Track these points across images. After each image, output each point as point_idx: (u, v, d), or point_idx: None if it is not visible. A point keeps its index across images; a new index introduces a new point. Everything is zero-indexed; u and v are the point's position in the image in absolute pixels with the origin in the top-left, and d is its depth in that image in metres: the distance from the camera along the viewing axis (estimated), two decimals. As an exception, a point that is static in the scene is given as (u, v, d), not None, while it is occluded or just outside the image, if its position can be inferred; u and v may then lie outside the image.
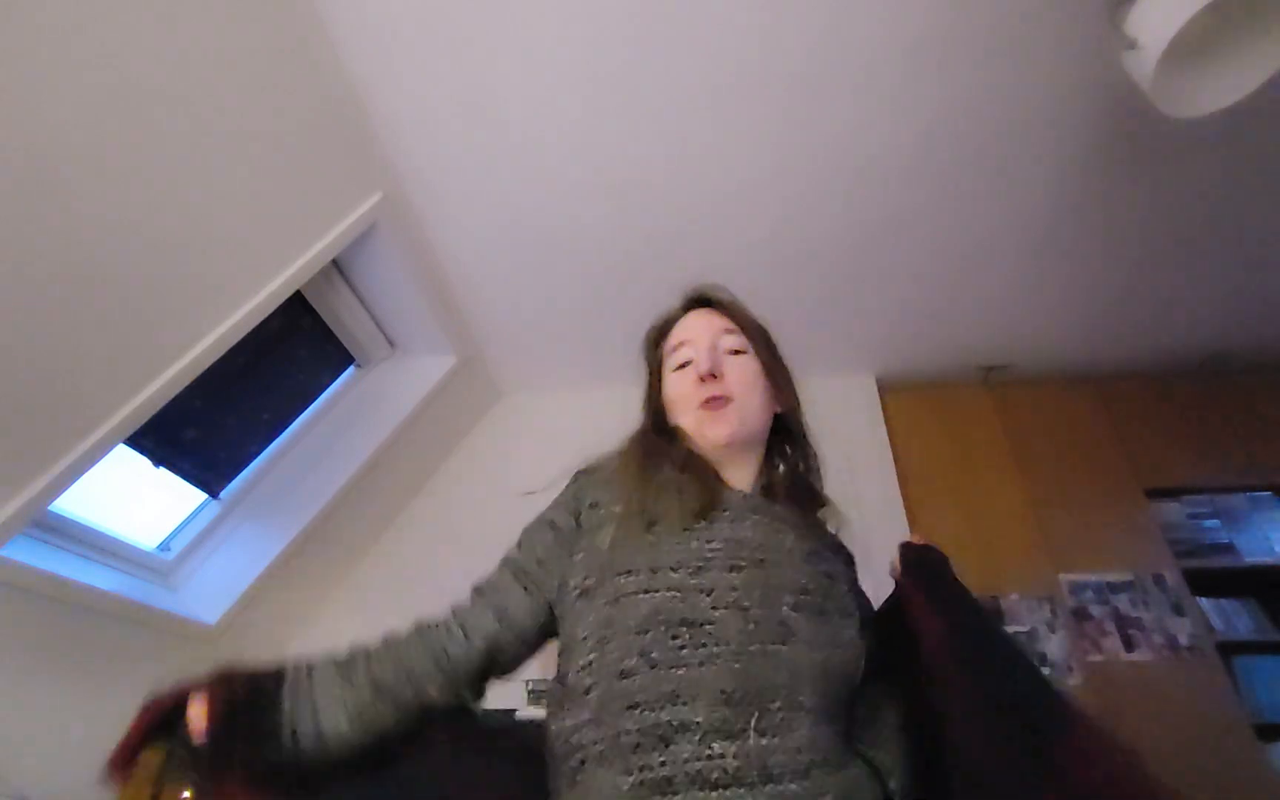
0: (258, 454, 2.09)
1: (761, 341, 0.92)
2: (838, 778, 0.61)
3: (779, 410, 0.90)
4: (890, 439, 2.57)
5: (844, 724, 0.68)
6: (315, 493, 2.10)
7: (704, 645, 0.63)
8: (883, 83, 1.65)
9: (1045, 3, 1.49)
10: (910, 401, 2.64)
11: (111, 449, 1.43)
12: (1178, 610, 2.14)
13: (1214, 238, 2.14)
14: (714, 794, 0.56)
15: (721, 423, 0.81)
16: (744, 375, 0.86)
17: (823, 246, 2.14)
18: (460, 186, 1.88)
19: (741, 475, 0.83)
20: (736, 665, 0.62)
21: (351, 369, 2.34)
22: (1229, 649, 2.13)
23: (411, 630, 0.78)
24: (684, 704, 0.60)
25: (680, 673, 0.62)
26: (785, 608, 0.68)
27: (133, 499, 1.80)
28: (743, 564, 0.70)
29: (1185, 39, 1.31)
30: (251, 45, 1.38)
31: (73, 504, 1.58)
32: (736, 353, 0.88)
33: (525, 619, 0.77)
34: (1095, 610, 2.16)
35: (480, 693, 0.78)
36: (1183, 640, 2.09)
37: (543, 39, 1.54)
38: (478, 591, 0.81)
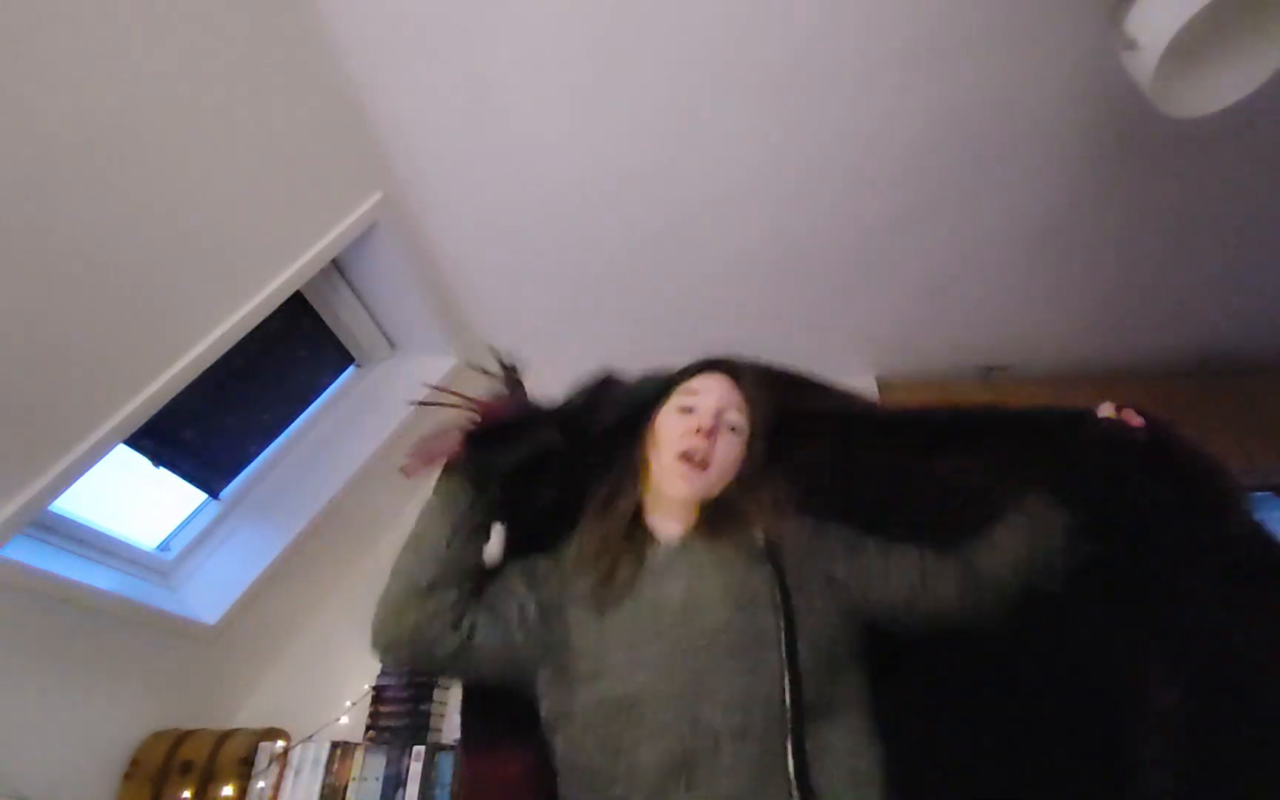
0: (258, 454, 2.09)
1: (756, 439, 0.95)
2: None
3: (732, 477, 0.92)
4: (890, 439, 2.57)
5: (778, 756, 0.69)
6: (315, 493, 2.10)
7: (639, 726, 0.69)
8: (882, 82, 1.66)
9: (1045, 3, 1.49)
10: (910, 401, 2.64)
11: (111, 449, 1.43)
12: (1178, 610, 2.14)
13: (1214, 237, 2.14)
14: None
15: (689, 483, 0.87)
16: (729, 454, 0.90)
17: (822, 246, 2.14)
18: (460, 186, 1.88)
19: (676, 526, 0.88)
20: (666, 736, 0.67)
21: (351, 369, 2.34)
22: (1229, 649, 2.13)
23: None
24: (625, 785, 0.66)
25: (623, 755, 0.68)
26: (705, 661, 0.72)
27: (132, 499, 1.80)
28: (667, 628, 0.75)
29: (1185, 39, 1.32)
30: (251, 45, 1.38)
31: (73, 504, 1.59)
32: (734, 431, 0.92)
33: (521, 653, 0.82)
34: (1095, 610, 2.15)
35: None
36: (1183, 640, 2.09)
37: (542, 40, 1.55)
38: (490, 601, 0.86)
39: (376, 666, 2.09)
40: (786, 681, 0.70)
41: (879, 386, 2.73)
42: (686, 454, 0.87)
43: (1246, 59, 1.39)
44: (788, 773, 0.66)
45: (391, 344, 2.38)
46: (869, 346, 2.64)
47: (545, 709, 0.78)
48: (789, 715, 0.69)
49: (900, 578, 0.84)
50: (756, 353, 2.83)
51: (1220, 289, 2.35)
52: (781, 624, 0.75)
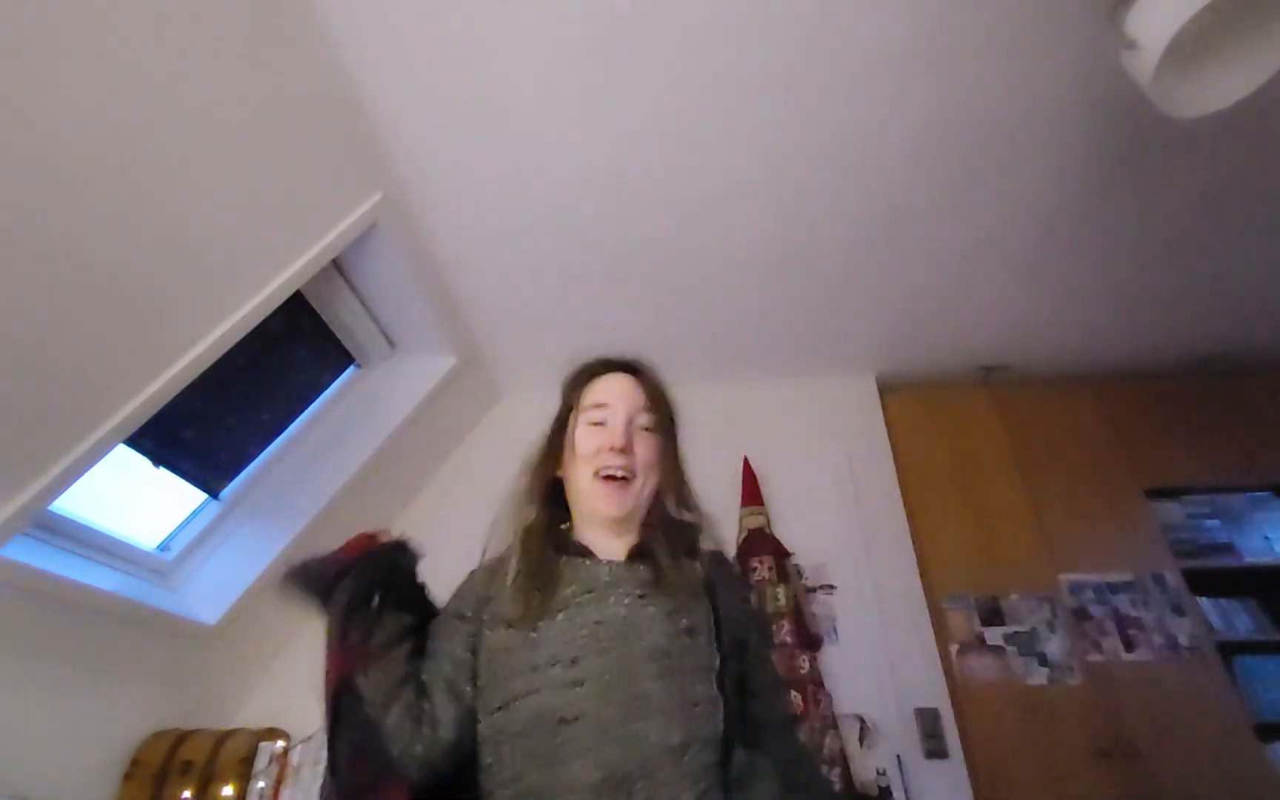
0: (258, 454, 2.08)
1: (669, 428, 0.95)
2: None
3: (663, 491, 0.92)
4: (890, 439, 2.57)
5: (714, 783, 0.71)
6: (315, 493, 2.10)
7: (577, 739, 0.69)
8: (882, 82, 1.66)
9: (1045, 3, 1.49)
10: (910, 401, 2.64)
11: (111, 449, 1.43)
12: (1178, 610, 2.14)
13: (1214, 238, 2.14)
14: None
15: (615, 503, 0.86)
16: (649, 455, 0.90)
17: (823, 246, 2.14)
18: (460, 186, 1.88)
19: (616, 545, 0.87)
20: (604, 752, 0.68)
21: (351, 369, 2.34)
22: (1229, 649, 2.13)
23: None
24: (556, 796, 0.67)
25: (559, 770, 0.68)
26: (646, 681, 0.73)
27: (132, 499, 1.80)
28: (609, 644, 0.75)
29: (1185, 39, 1.32)
30: (251, 45, 1.38)
31: (73, 504, 1.58)
32: (647, 430, 0.91)
33: (453, 733, 0.77)
34: (1095, 610, 2.16)
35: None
36: (1183, 640, 2.09)
37: (543, 40, 1.55)
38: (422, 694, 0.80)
39: (376, 666, 2.09)
40: (721, 709, 0.74)
41: (879, 386, 2.73)
42: (605, 478, 0.87)
43: (1246, 59, 1.39)
44: (722, 794, 0.70)
45: (391, 344, 2.38)
46: (869, 346, 2.64)
47: (480, 728, 0.76)
48: (719, 740, 0.72)
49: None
50: (757, 353, 2.84)
51: (1220, 289, 2.35)
52: (718, 655, 0.79)
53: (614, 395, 0.93)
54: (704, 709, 0.73)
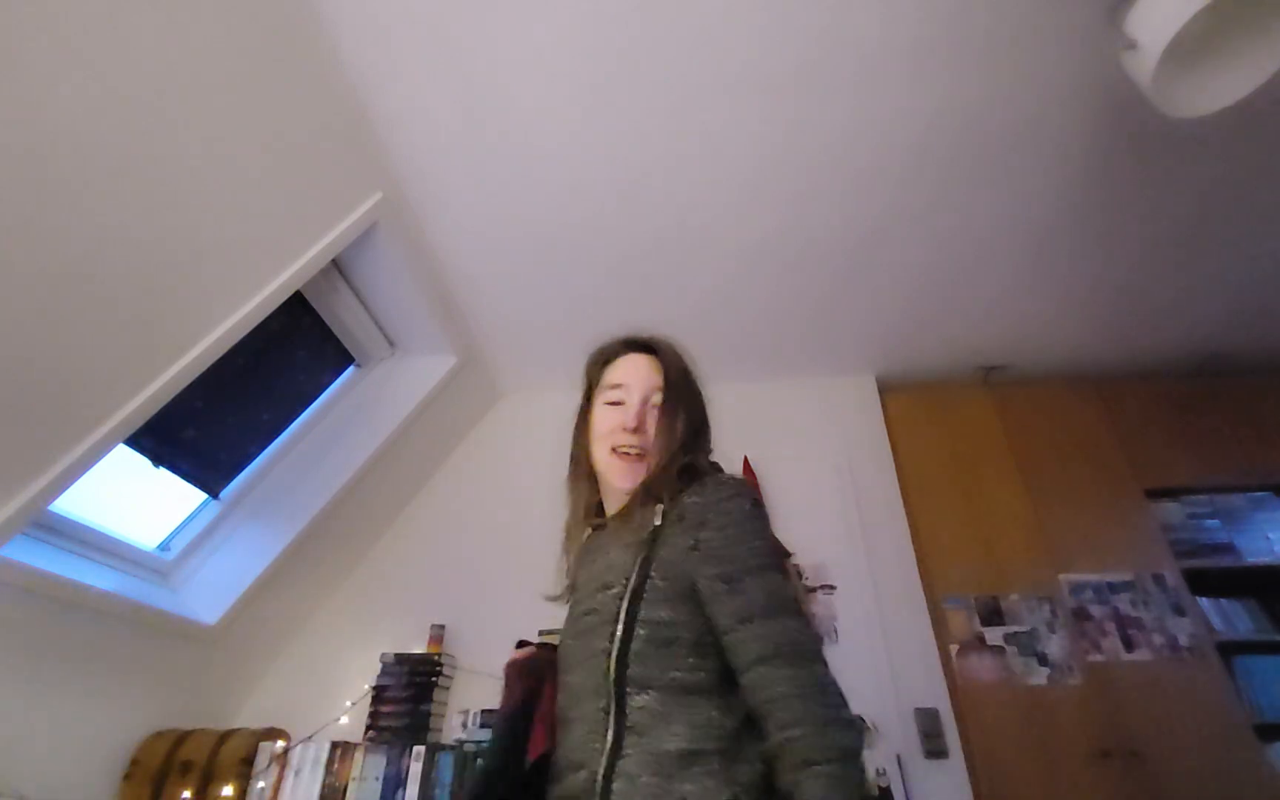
0: (258, 454, 2.09)
1: (687, 400, 0.98)
2: (616, 765, 0.74)
3: (688, 460, 0.93)
4: (890, 439, 2.57)
5: (603, 727, 0.76)
6: (315, 492, 2.11)
7: (566, 687, 0.84)
8: (882, 83, 1.66)
9: (1045, 3, 1.49)
10: (910, 401, 2.64)
11: (111, 449, 1.43)
12: (1178, 610, 2.14)
13: (1214, 238, 2.14)
14: None
15: (629, 477, 0.93)
16: (664, 430, 0.94)
17: (823, 246, 2.14)
18: (460, 186, 1.88)
19: (622, 501, 0.96)
20: (565, 686, 0.85)
21: (351, 369, 2.34)
22: (1229, 649, 2.13)
23: None
24: (563, 731, 0.82)
25: (562, 710, 0.84)
26: (582, 625, 0.85)
27: (133, 499, 1.80)
28: (579, 598, 0.91)
29: (1185, 39, 1.32)
30: (251, 46, 1.38)
31: (73, 504, 1.59)
32: (662, 406, 0.96)
33: None
34: (1095, 610, 2.16)
35: None
36: (1183, 640, 2.09)
37: (542, 40, 1.55)
38: None
39: (376, 666, 2.09)
40: (614, 654, 0.78)
41: (879, 386, 2.74)
42: (622, 451, 0.93)
43: (1246, 59, 1.39)
44: (605, 737, 0.75)
45: (391, 344, 2.38)
46: (869, 346, 2.64)
47: None
48: (613, 684, 0.77)
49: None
50: (757, 353, 2.84)
51: (1220, 289, 2.35)
52: (626, 600, 0.80)
53: (630, 376, 0.99)
54: (598, 661, 0.79)
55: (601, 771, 0.72)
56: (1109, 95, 1.67)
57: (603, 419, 0.97)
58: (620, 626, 0.79)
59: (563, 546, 1.01)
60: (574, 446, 1.03)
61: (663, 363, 1.00)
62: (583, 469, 1.00)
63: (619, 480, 0.93)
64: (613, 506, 0.97)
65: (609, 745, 0.73)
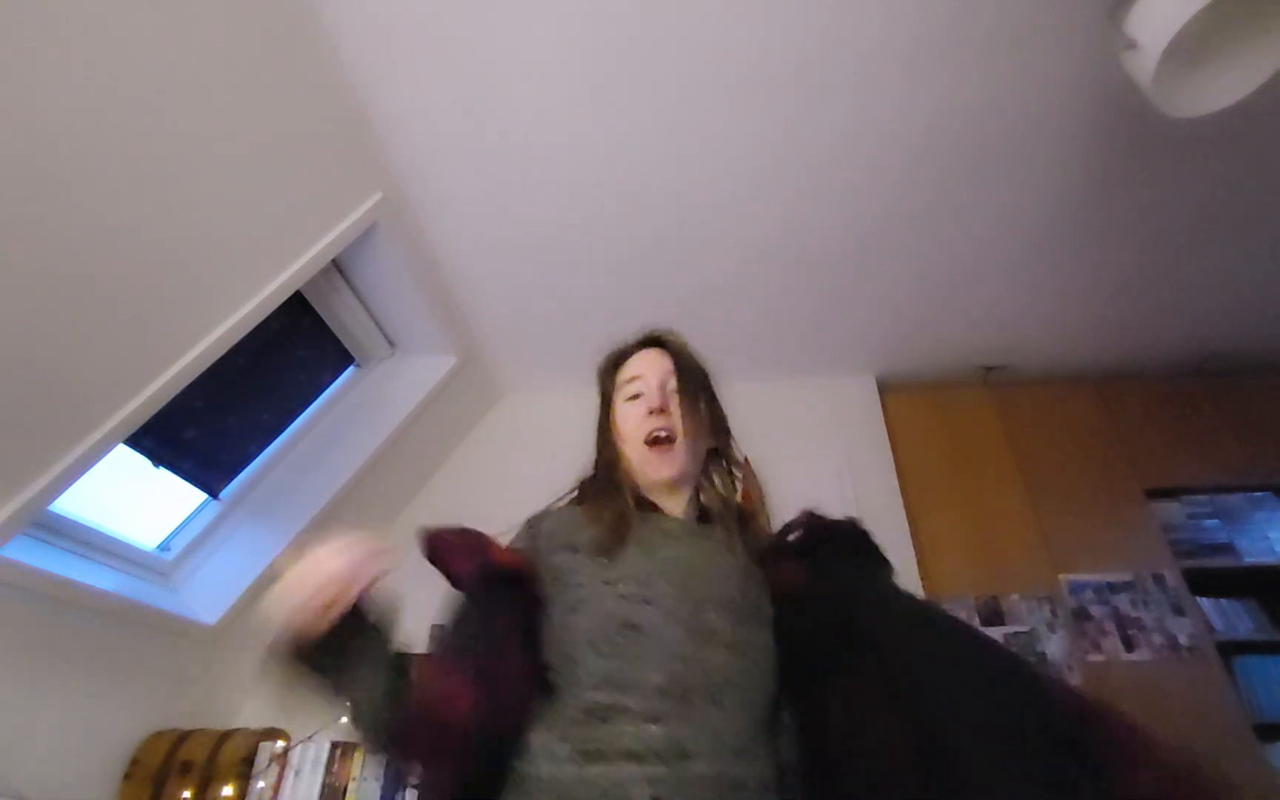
0: (258, 454, 2.09)
1: (702, 385, 1.00)
2: (747, 766, 0.69)
3: (713, 446, 0.99)
4: (890, 439, 2.57)
5: (762, 717, 0.75)
6: (315, 493, 2.11)
7: (644, 647, 0.73)
8: (883, 83, 1.66)
9: (1045, 3, 1.49)
10: (910, 401, 2.64)
11: (111, 449, 1.43)
12: (1178, 610, 2.14)
13: (1214, 238, 2.14)
14: (638, 767, 0.65)
15: (666, 465, 0.91)
16: (685, 417, 0.94)
17: (823, 246, 2.14)
18: (460, 186, 1.88)
19: (678, 504, 0.93)
20: (670, 666, 0.72)
21: (351, 369, 2.34)
22: (1229, 649, 2.13)
23: None
24: (622, 691, 0.70)
25: (629, 666, 0.72)
26: (713, 616, 0.77)
27: (133, 499, 1.80)
28: (678, 579, 0.80)
29: (1185, 39, 1.32)
30: (251, 45, 1.38)
31: (73, 504, 1.58)
32: (679, 393, 0.96)
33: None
34: (1095, 610, 2.16)
35: None
36: (1183, 640, 2.09)
37: (542, 40, 1.55)
38: None
39: (376, 666, 2.09)
40: (774, 658, 0.78)
41: (879, 386, 2.73)
42: (654, 439, 0.92)
43: (1246, 59, 1.39)
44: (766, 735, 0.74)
45: (391, 344, 2.38)
46: (869, 346, 2.64)
47: (551, 637, 0.79)
48: (770, 685, 0.77)
49: None
50: (758, 353, 2.83)
51: (1220, 289, 2.35)
52: (771, 612, 0.82)
53: (643, 367, 0.99)
54: (761, 655, 0.78)
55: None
56: (1109, 95, 1.67)
57: (627, 416, 0.96)
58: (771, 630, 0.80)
59: (596, 497, 0.92)
60: (603, 455, 0.98)
61: (671, 351, 1.01)
62: (615, 475, 0.95)
63: (657, 470, 0.91)
64: (658, 495, 0.93)
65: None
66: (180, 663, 1.86)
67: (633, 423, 0.95)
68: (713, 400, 1.01)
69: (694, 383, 0.98)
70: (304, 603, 0.69)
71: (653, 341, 1.04)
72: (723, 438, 1.01)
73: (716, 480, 0.99)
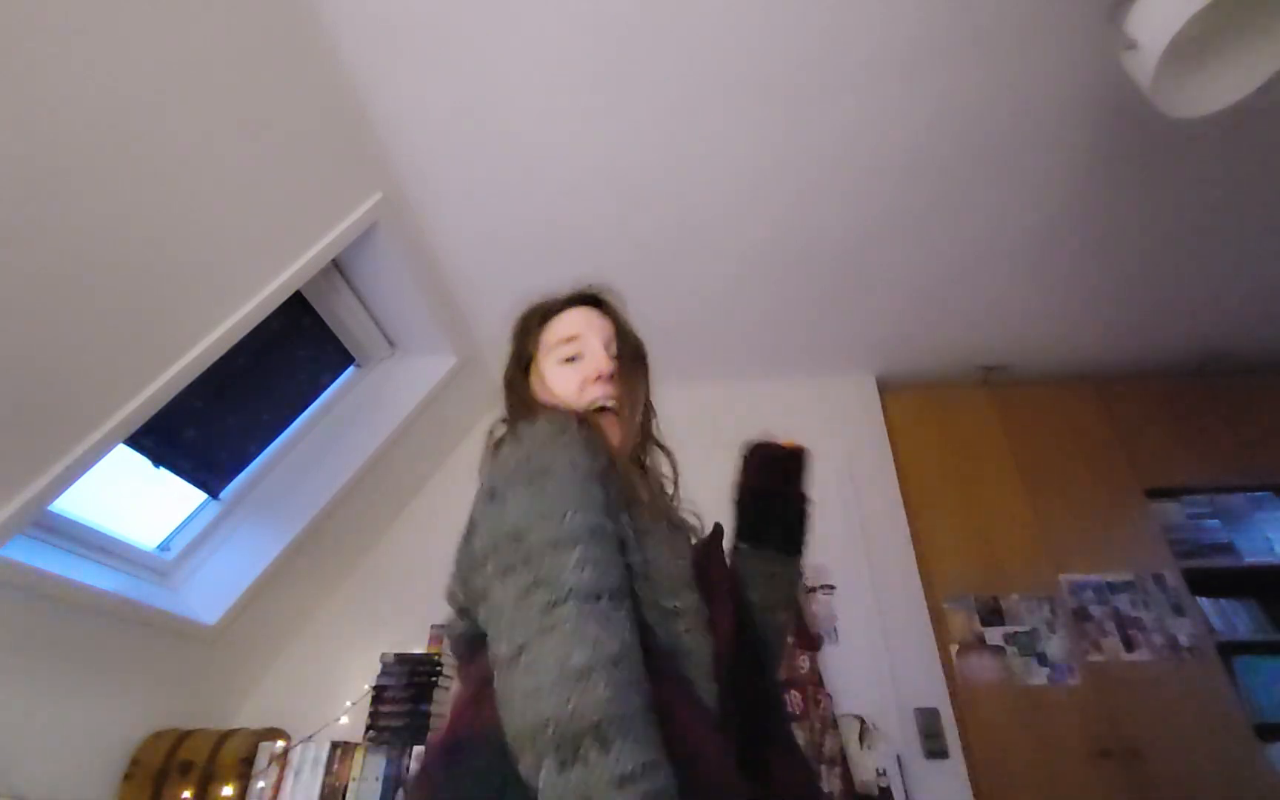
0: (258, 454, 2.09)
1: (642, 356, 0.89)
2: None
3: (646, 426, 0.88)
4: (890, 439, 2.57)
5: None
6: (315, 492, 2.11)
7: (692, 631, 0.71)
8: (883, 83, 1.65)
9: (1045, 3, 1.49)
10: (910, 401, 2.64)
11: (111, 449, 1.43)
12: (1178, 610, 2.14)
13: (1214, 238, 2.14)
14: None
15: (614, 440, 0.78)
16: (628, 386, 0.83)
17: (823, 246, 2.14)
18: (460, 186, 1.88)
19: None
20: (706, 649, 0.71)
21: (351, 369, 2.34)
22: (1229, 649, 2.13)
23: None
24: (704, 674, 0.68)
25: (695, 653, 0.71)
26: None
27: (133, 499, 1.80)
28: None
29: (1185, 39, 1.32)
30: (251, 45, 1.38)
31: (73, 504, 1.59)
32: (619, 360, 0.85)
33: None
34: (1095, 610, 2.16)
35: None
36: (1183, 640, 2.09)
37: (543, 41, 1.54)
38: None
39: (377, 666, 2.09)
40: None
41: (879, 386, 2.73)
42: (605, 407, 0.80)
43: (1246, 59, 1.39)
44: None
45: (391, 344, 2.38)
46: (869, 346, 2.64)
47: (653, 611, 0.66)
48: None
49: None
50: (758, 353, 2.83)
51: (1220, 289, 2.35)
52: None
53: (582, 325, 0.85)
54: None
55: None
56: (1109, 95, 1.67)
57: (561, 381, 0.82)
58: None
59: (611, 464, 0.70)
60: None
61: (608, 314, 0.89)
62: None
63: (611, 436, 0.78)
64: None
65: None
66: (180, 663, 1.86)
67: (571, 389, 0.81)
68: (647, 374, 0.88)
69: (636, 351, 0.87)
70: None
71: (588, 299, 0.90)
72: (653, 420, 0.89)
73: (650, 465, 0.87)
